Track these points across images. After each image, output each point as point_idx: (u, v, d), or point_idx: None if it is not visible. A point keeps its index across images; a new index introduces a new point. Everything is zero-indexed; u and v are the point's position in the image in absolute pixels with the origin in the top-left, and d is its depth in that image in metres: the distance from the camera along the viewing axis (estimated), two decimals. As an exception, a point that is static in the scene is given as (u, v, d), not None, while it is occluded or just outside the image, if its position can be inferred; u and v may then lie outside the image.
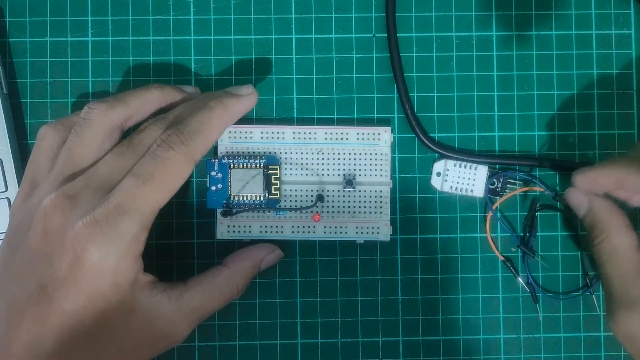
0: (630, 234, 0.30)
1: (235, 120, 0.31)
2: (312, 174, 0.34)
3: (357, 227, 0.34)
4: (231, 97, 0.31)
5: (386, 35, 0.35)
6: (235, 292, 0.31)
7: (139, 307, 0.27)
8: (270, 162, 0.34)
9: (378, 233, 0.34)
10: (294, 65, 0.36)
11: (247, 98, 0.31)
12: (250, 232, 0.34)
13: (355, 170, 0.34)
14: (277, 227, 0.34)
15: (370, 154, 0.34)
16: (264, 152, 0.34)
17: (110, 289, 0.26)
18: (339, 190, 0.34)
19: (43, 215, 0.26)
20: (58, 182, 0.28)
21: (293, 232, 0.34)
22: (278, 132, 0.34)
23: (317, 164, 0.34)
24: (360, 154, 0.34)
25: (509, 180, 0.35)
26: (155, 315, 0.28)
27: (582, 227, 0.35)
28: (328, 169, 0.34)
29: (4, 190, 0.33)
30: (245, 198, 0.33)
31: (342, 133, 0.34)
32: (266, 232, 0.34)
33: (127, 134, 0.30)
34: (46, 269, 0.26)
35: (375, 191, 0.34)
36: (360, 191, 0.34)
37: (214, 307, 0.30)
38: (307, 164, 0.34)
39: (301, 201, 0.34)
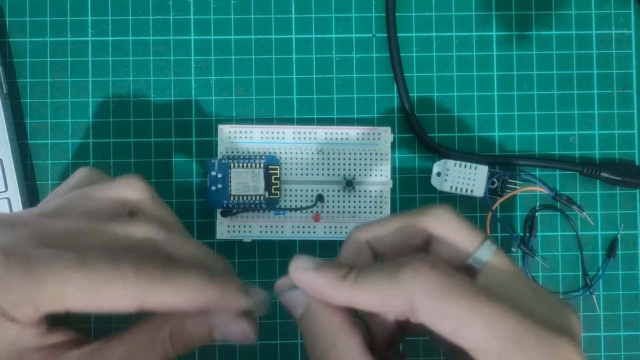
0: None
1: (219, 309, 0.24)
2: (312, 174, 0.34)
3: (357, 227, 0.34)
4: (238, 291, 0.24)
5: (386, 35, 0.35)
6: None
7: None
8: (270, 162, 0.34)
9: (378, 233, 0.34)
10: (294, 65, 0.36)
11: (251, 302, 0.25)
12: (250, 232, 0.34)
13: (355, 170, 0.34)
14: (277, 227, 0.34)
15: (370, 154, 0.34)
16: (264, 152, 0.34)
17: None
18: (339, 190, 0.34)
19: None
20: (36, 215, 0.24)
21: (293, 232, 0.34)
22: (278, 132, 0.34)
23: (317, 164, 0.34)
24: (360, 154, 0.34)
25: (509, 180, 0.35)
26: None
27: (582, 227, 0.35)
28: (328, 169, 0.34)
29: (4, 190, 0.33)
30: (245, 198, 0.33)
31: (342, 133, 0.34)
32: (266, 232, 0.34)
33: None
34: None
35: (375, 191, 0.34)
36: (360, 191, 0.34)
37: None
38: (307, 164, 0.34)
39: (301, 201, 0.34)
